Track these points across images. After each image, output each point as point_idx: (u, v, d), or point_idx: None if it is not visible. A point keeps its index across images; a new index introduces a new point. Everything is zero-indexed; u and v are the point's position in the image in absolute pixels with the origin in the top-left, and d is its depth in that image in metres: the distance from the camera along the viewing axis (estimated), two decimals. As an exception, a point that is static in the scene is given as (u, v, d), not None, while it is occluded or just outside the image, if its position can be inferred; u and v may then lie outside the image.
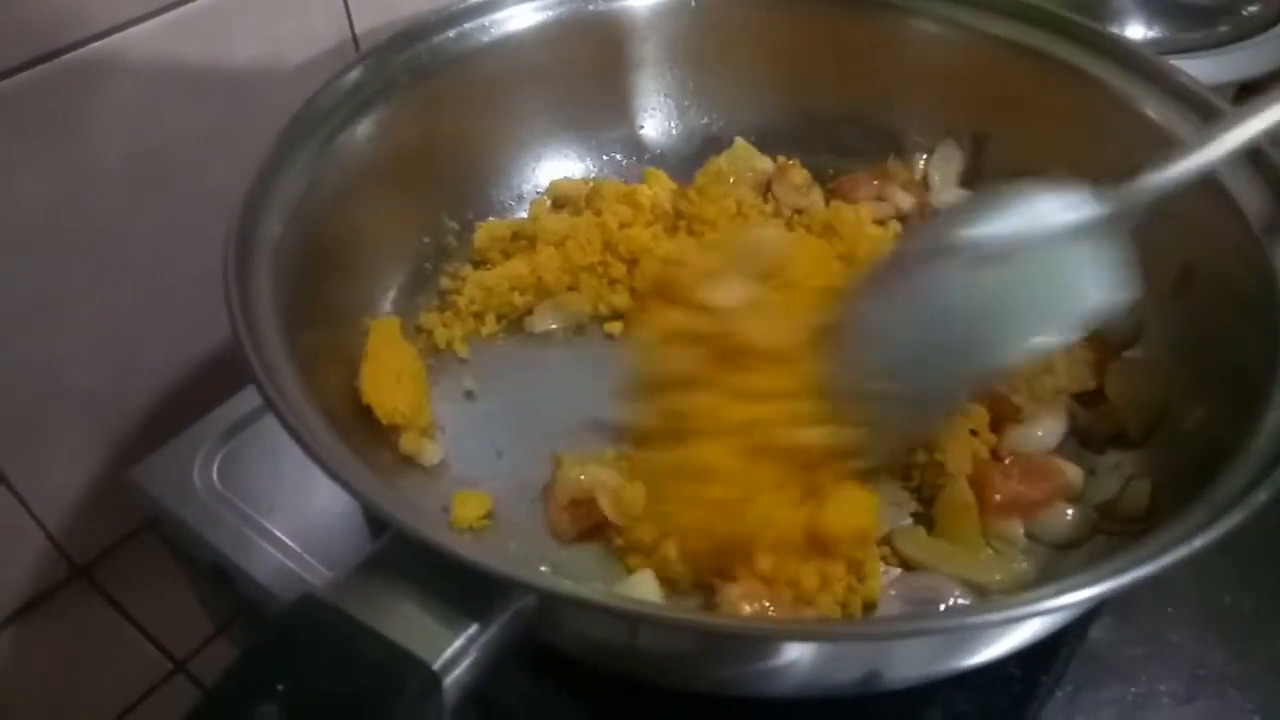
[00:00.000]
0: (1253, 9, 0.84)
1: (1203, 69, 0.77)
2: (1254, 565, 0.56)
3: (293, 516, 0.60)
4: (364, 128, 0.62)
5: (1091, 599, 0.38)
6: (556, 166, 0.75)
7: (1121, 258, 0.45)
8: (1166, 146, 0.58)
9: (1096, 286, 0.45)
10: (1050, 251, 0.46)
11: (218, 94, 0.65)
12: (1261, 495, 0.40)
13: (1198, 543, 0.39)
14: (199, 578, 0.69)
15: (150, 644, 0.75)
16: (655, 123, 0.77)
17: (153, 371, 0.69)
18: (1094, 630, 0.54)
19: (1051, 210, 0.46)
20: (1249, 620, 0.54)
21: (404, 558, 0.40)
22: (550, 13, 0.70)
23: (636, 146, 0.77)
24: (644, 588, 0.50)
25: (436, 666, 0.37)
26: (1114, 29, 0.81)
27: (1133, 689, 0.52)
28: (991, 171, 0.72)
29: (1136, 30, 0.83)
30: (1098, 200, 0.46)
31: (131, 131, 0.61)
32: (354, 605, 0.38)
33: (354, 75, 0.62)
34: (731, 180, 0.72)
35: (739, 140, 0.74)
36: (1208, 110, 0.59)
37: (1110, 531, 0.54)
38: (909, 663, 0.46)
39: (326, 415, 0.47)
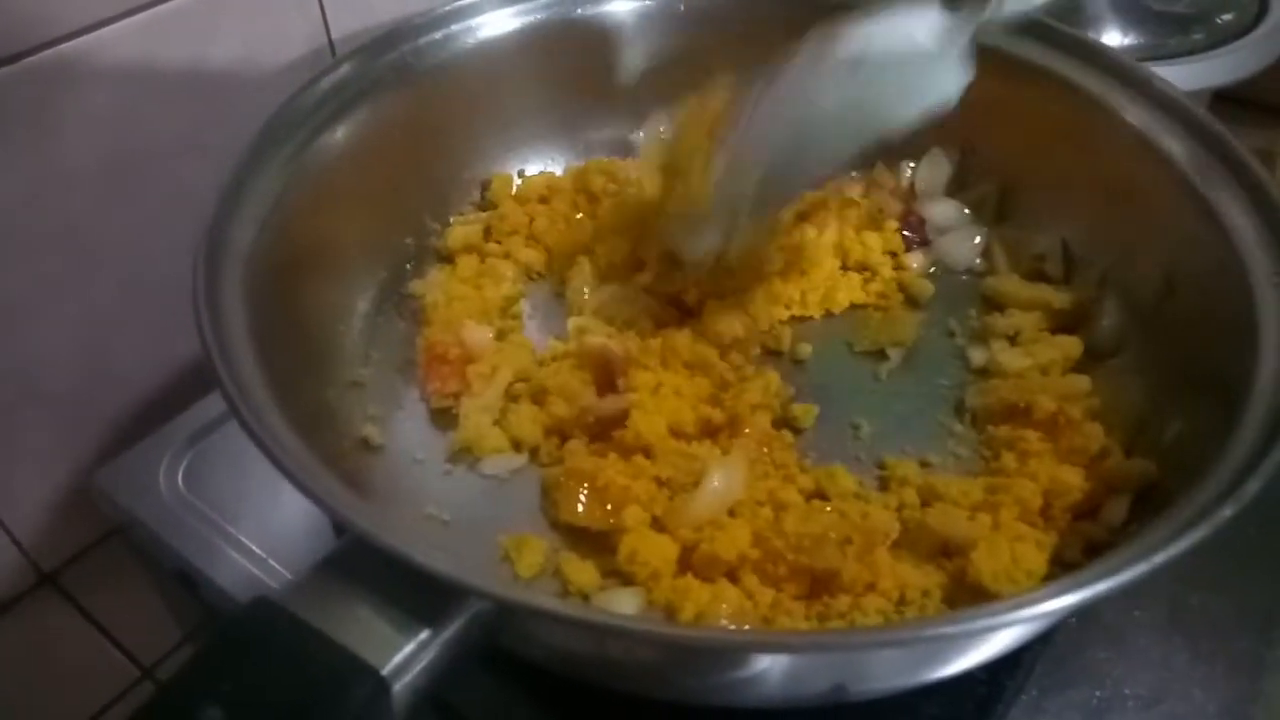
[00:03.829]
0: (1226, 17, 0.84)
1: (1177, 76, 0.76)
2: (1222, 566, 0.55)
3: (258, 522, 0.59)
4: (344, 129, 0.61)
5: (1048, 614, 0.38)
6: (542, 170, 0.75)
7: (963, 59, 0.53)
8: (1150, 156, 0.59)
9: (941, 83, 0.54)
10: (906, 56, 0.53)
11: (192, 96, 0.64)
12: (1226, 511, 0.40)
13: (1159, 559, 0.38)
14: (166, 584, 0.68)
15: (118, 651, 0.75)
16: (642, 127, 0.75)
17: (123, 374, 0.68)
18: (1059, 633, 0.53)
19: (907, 24, 0.54)
20: (1215, 622, 0.54)
21: (360, 561, 0.40)
22: (536, 16, 0.70)
23: (623, 150, 0.75)
24: (622, 600, 0.50)
25: (385, 672, 0.37)
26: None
27: (1098, 692, 0.51)
28: (978, 179, 0.71)
29: (1113, 38, 0.83)
30: (945, 16, 0.53)
31: (104, 132, 0.61)
32: (305, 608, 0.38)
33: (335, 77, 0.61)
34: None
35: (722, 146, 0.73)
36: (1190, 120, 0.58)
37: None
38: (876, 675, 0.45)
39: (299, 424, 0.47)
